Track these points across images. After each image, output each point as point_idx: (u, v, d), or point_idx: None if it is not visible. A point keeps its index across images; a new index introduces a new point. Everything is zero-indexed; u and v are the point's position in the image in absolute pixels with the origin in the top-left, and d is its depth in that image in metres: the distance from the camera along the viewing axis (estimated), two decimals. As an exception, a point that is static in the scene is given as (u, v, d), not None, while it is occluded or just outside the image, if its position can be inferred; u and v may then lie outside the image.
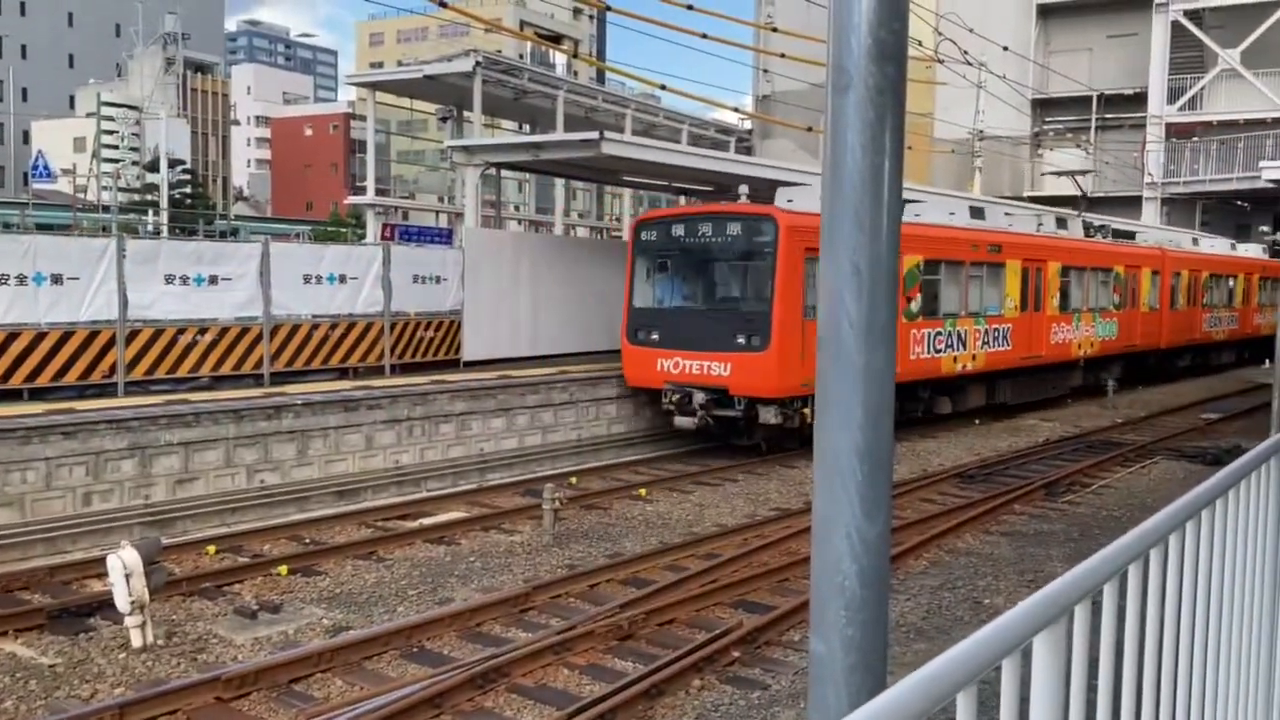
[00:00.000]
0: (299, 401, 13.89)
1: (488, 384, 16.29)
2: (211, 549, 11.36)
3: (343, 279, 16.86)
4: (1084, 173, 35.04)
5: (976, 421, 22.06)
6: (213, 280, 15.18)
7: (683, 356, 16.93)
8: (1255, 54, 37.15)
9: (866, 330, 2.17)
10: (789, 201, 17.62)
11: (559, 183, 33.06)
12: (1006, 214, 25.05)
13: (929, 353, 19.58)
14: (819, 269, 2.17)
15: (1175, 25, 38.65)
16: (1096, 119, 41.19)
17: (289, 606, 9.69)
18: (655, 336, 17.48)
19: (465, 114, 32.35)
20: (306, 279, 16.39)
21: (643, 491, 14.80)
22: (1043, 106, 42.49)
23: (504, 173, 27.65)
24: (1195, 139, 38.36)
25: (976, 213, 22.60)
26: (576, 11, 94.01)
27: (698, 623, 9.33)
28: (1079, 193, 34.78)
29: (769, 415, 16.63)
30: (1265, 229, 35.95)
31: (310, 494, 13.80)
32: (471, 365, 18.50)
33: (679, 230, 17.67)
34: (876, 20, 2.12)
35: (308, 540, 12.06)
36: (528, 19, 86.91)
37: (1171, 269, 30.03)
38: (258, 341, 15.63)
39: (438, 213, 37.50)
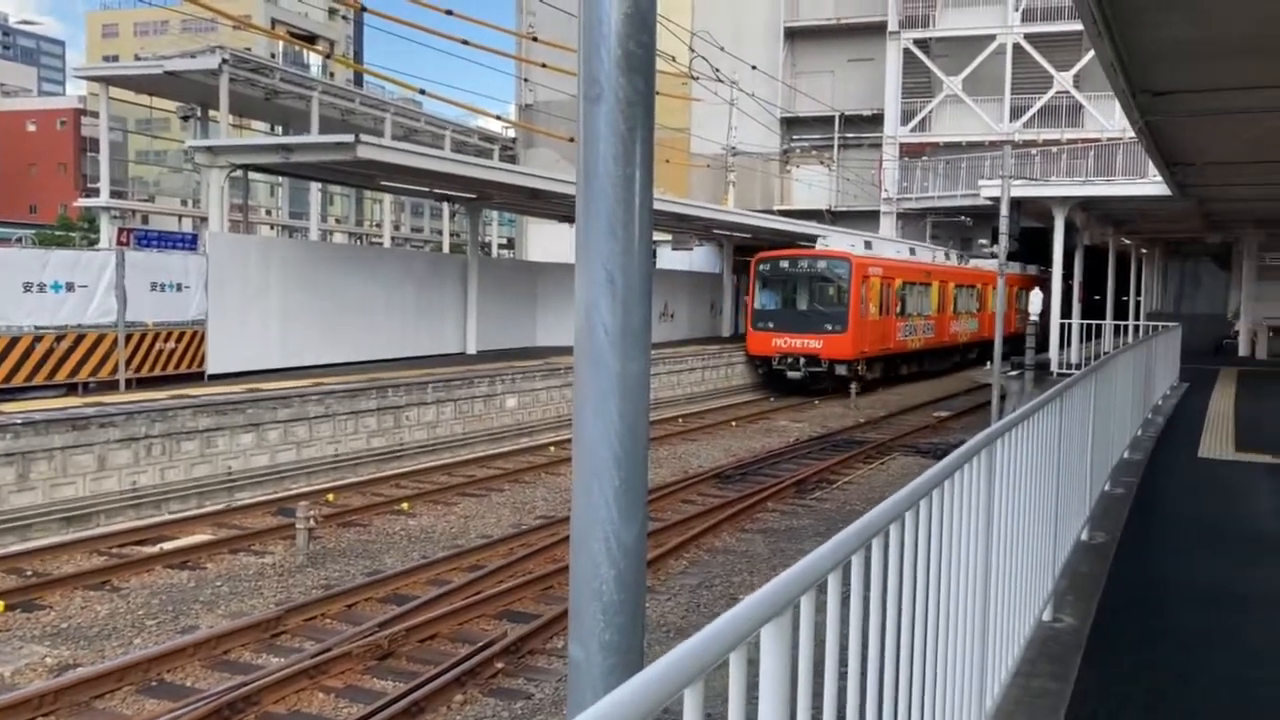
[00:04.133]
0: (18, 420, 12.66)
1: (235, 398, 15.43)
2: (-88, 587, 10.18)
3: (70, 287, 15.53)
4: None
5: (734, 424, 23.05)
6: (-87, 288, 13.63)
7: (790, 337, 28.28)
8: (974, 82, 40.71)
9: (622, 337, 2.18)
10: (825, 243, 30.11)
11: (314, 187, 31.88)
12: (923, 248, 36.70)
13: (904, 336, 31.59)
14: (575, 278, 2.21)
15: (906, 53, 41.74)
16: (839, 138, 43.83)
17: (6, 647, 8.81)
18: (771, 325, 28.65)
19: (211, 113, 30.65)
20: (27, 287, 15.00)
21: (405, 506, 14.45)
22: (791, 125, 44.77)
23: (254, 175, 26.32)
24: (925, 158, 41.52)
25: (912, 251, 34.72)
26: (332, 12, 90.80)
27: (461, 636, 9.20)
28: (824, 207, 38.12)
29: (841, 370, 28.15)
30: (984, 242, 39.26)
31: (33, 522, 12.60)
32: (217, 378, 17.46)
33: (785, 264, 29.26)
34: (625, 33, 2.15)
35: (29, 572, 11.00)
36: (280, 17, 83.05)
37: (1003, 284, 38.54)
38: (-31, 355, 14.15)
39: (181, 216, 35.32)
